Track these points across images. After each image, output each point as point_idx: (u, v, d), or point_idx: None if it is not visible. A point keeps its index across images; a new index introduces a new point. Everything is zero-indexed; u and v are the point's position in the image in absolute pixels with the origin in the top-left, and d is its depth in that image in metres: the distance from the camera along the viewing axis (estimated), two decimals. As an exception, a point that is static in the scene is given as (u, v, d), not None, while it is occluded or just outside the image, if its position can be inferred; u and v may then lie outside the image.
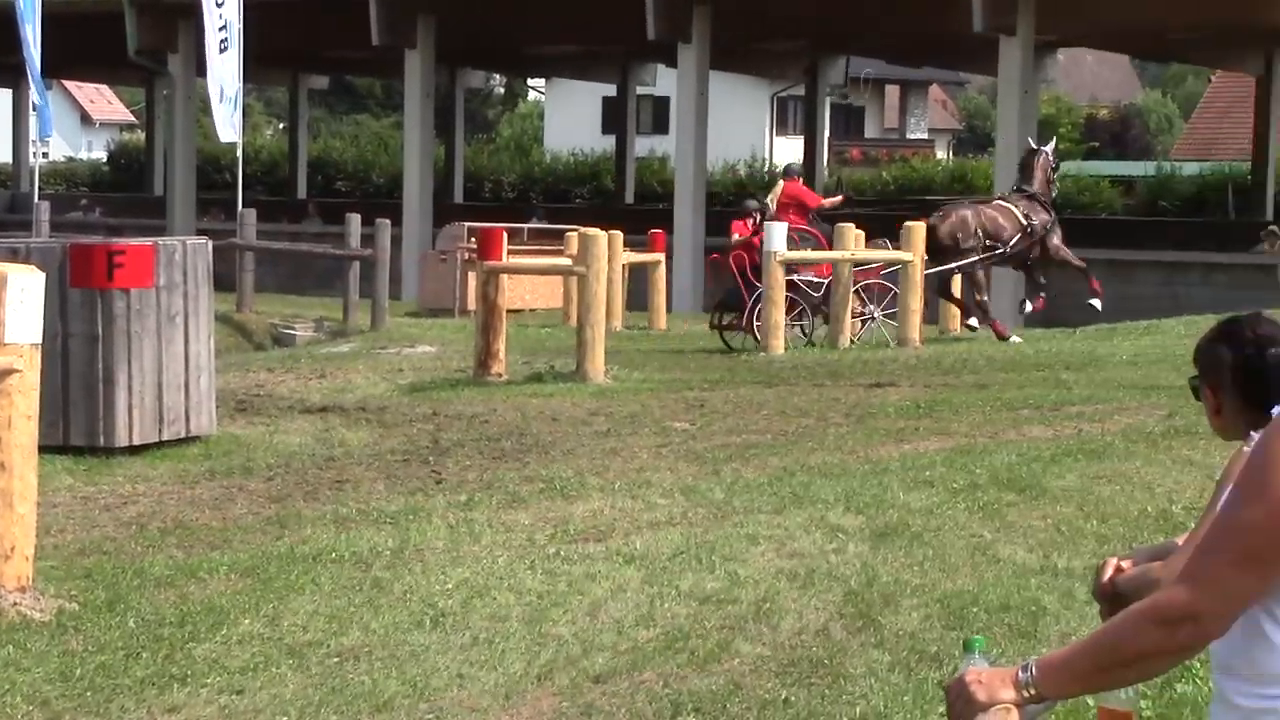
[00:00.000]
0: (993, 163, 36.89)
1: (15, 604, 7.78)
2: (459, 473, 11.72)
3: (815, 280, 21.82)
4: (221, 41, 28.94)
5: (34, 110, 32.17)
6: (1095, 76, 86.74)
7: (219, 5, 28.89)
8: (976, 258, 21.46)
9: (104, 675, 6.90)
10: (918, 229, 21.02)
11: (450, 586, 8.20)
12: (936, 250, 21.14)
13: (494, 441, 13.09)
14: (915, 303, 20.52)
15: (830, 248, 21.54)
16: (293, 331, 25.12)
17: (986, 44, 31.71)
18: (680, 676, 6.91)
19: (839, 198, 27.10)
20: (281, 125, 75.84)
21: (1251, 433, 3.59)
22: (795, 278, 21.26)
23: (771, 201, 23.66)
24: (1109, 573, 3.92)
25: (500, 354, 16.96)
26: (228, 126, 29.20)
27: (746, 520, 9.54)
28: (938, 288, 21.97)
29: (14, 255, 12.06)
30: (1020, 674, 3.10)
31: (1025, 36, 30.71)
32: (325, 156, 52.24)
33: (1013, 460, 11.06)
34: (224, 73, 28.94)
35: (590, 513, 9.94)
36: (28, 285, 7.89)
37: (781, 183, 24.36)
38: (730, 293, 21.98)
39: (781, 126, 61.84)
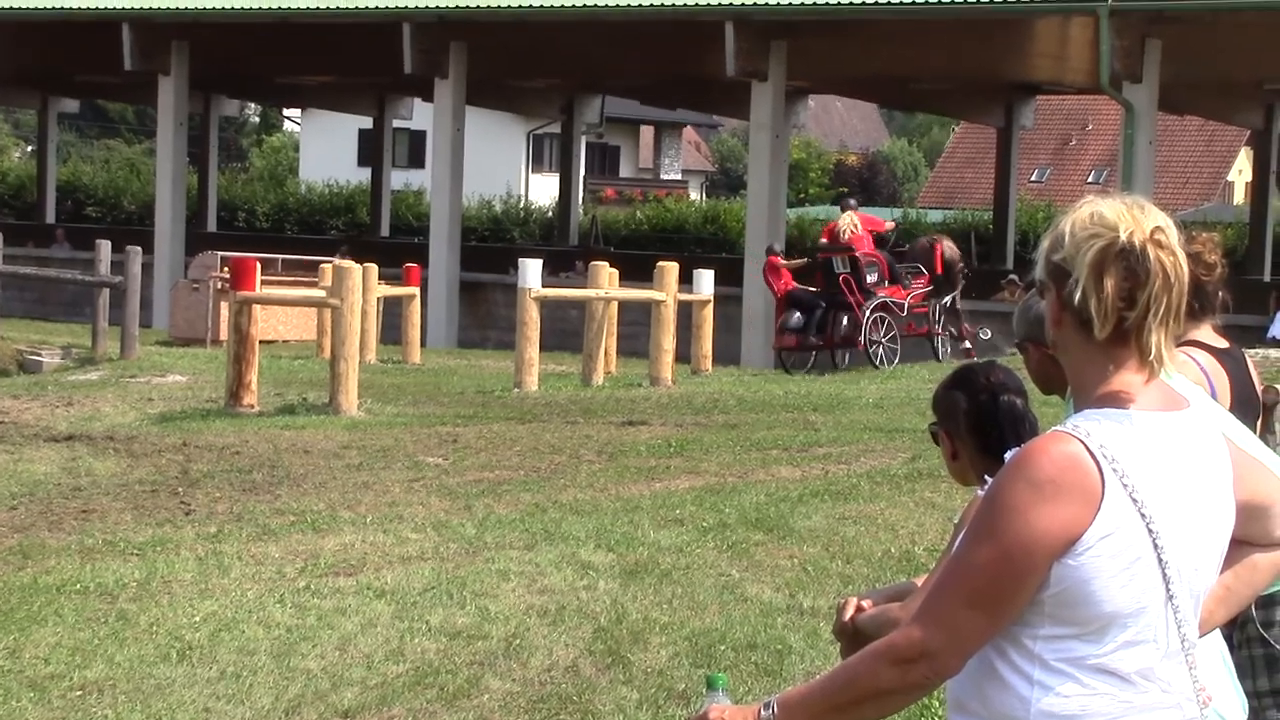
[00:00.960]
0: (744, 205, 37.37)
1: None
2: (209, 504, 11.59)
3: (898, 302, 24.78)
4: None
5: None
6: (844, 123, 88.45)
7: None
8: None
9: None
10: (669, 269, 21.30)
11: (198, 619, 8.13)
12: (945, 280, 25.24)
13: (245, 473, 12.96)
14: (667, 342, 20.71)
15: (889, 274, 25.51)
16: (39, 358, 24.54)
17: (739, 88, 32.18)
18: (430, 712, 6.94)
19: (890, 223, 30.24)
20: (30, 148, 74.17)
21: (986, 476, 3.73)
22: (885, 298, 24.55)
23: (846, 231, 25.92)
24: (850, 612, 4.00)
25: (252, 385, 16.81)
26: None
27: (498, 556, 9.58)
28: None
29: None
30: (762, 711, 3.11)
31: (777, 82, 31.23)
32: (75, 181, 51.17)
33: (761, 500, 11.23)
34: None
35: (341, 546, 9.90)
36: None
37: (852, 213, 26.52)
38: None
39: (537, 163, 62.07)
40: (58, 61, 38.95)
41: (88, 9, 35.85)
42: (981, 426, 3.99)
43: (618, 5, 31.47)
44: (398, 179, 49.16)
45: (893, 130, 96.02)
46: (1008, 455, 3.09)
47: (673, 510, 10.96)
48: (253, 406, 16.67)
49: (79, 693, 7.06)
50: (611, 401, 18.38)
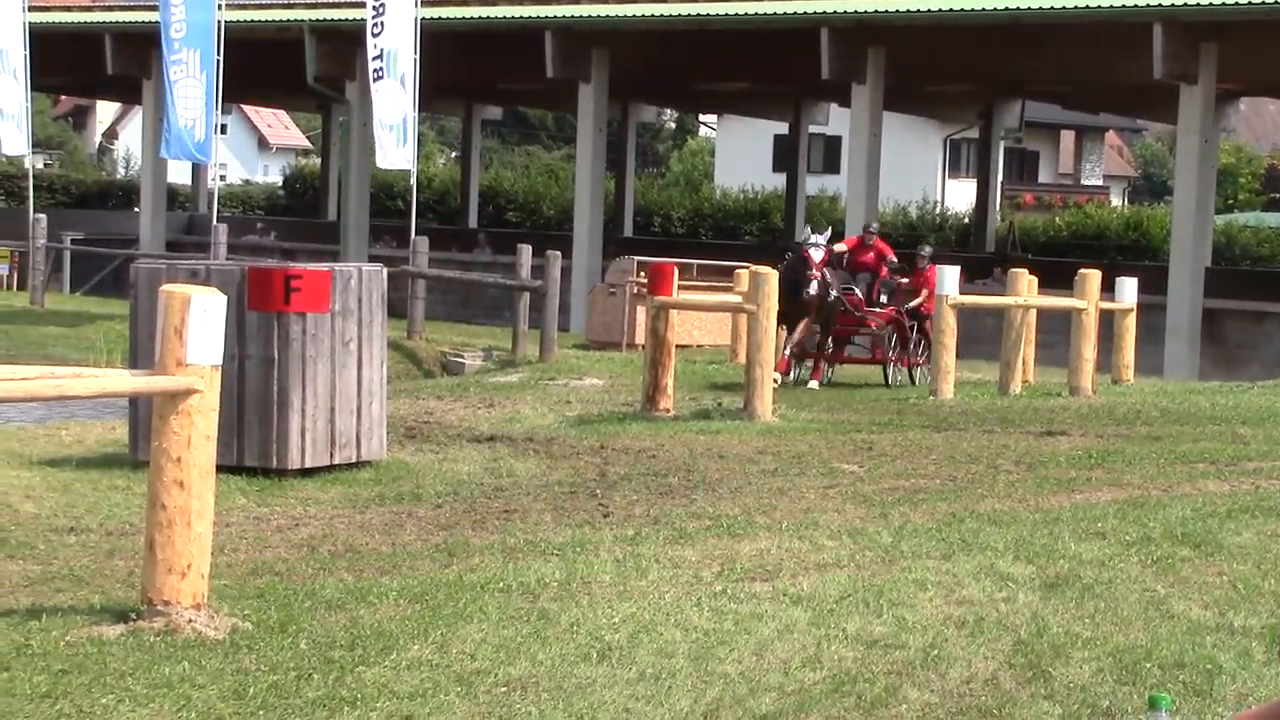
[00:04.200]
0: (1169, 211, 36.44)
1: (190, 621, 7.89)
2: (626, 507, 11.77)
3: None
4: (375, 71, 29.31)
5: (220, 132, 32.67)
6: (1277, 126, 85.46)
7: (375, 35, 29.27)
8: None
9: (276, 695, 6.98)
10: (1091, 276, 20.88)
11: (617, 620, 8.21)
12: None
13: (661, 477, 13.14)
14: (1088, 351, 20.32)
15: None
16: (462, 360, 25.33)
17: (1166, 91, 31.40)
18: (847, 721, 6.88)
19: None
20: (454, 155, 76.73)
21: None
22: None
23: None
24: None
25: (668, 389, 17.01)
26: (390, 153, 29.50)
27: (914, 565, 9.50)
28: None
29: (194, 277, 12.28)
30: None
31: (1206, 85, 30.38)
32: (496, 186, 52.73)
33: (1187, 515, 10.93)
34: (381, 101, 29.27)
35: (757, 552, 9.93)
36: (209, 307, 7.98)
37: (874, 239, 24.67)
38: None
39: (954, 169, 61.55)
40: (482, 70, 40.15)
41: (513, 19, 36.88)
42: None
43: (1039, 8, 30.97)
44: (813, 184, 49.33)
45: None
46: None
47: (1094, 523, 10.74)
48: (668, 411, 16.86)
49: (504, 689, 7.17)
50: (1029, 411, 18.13)
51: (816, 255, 21.31)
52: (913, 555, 9.78)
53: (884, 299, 23.84)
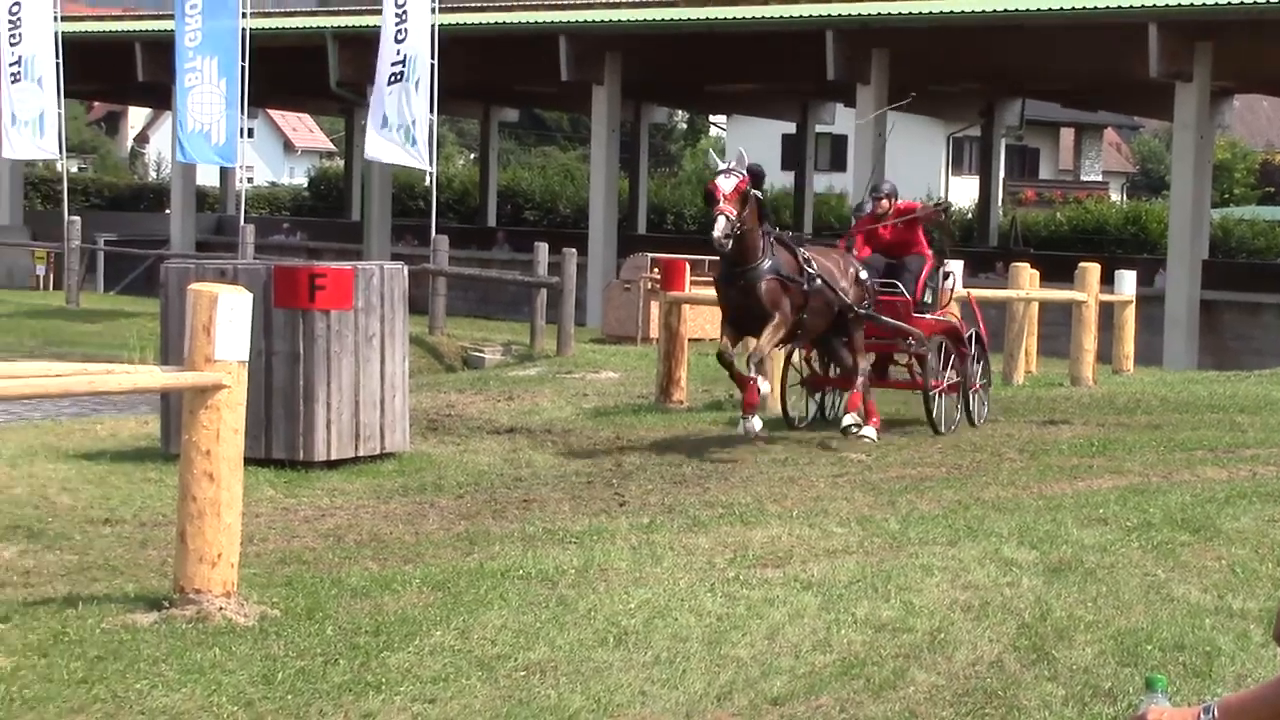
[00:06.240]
0: (1167, 206, 36.58)
1: (221, 608, 8.07)
2: (641, 496, 11.98)
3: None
4: (392, 75, 29.47)
5: (244, 136, 32.85)
6: (1271, 122, 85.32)
7: (399, 41, 29.44)
8: None
9: (304, 680, 7.14)
10: (1091, 269, 21.09)
11: (633, 606, 8.38)
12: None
13: (675, 467, 13.35)
14: (1089, 342, 20.57)
15: None
16: (482, 354, 25.52)
17: (1162, 89, 31.56)
18: (857, 702, 6.98)
19: None
20: (473, 156, 76.85)
21: None
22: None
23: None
24: None
25: (682, 382, 17.23)
26: (396, 152, 29.62)
27: (921, 551, 9.69)
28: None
29: (222, 276, 12.49)
30: (1202, 715, 3.07)
31: (1202, 82, 30.55)
32: (514, 186, 52.97)
33: (1187, 500, 11.11)
34: (393, 104, 29.42)
35: (769, 539, 10.14)
36: (236, 305, 8.15)
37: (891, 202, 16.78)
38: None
39: (957, 166, 61.59)
40: (499, 74, 40.32)
41: (528, 23, 37.12)
42: None
43: (1039, 10, 31.14)
44: (820, 182, 49.46)
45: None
46: None
47: (1096, 509, 10.93)
48: (682, 402, 17.08)
49: (523, 673, 7.31)
50: (1032, 401, 18.30)
51: (726, 185, 13.87)
52: (920, 542, 9.98)
53: (928, 298, 16.05)
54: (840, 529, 10.43)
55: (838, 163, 55.17)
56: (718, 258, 14.48)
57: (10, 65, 34.51)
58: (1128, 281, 22.49)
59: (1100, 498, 11.40)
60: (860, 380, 14.96)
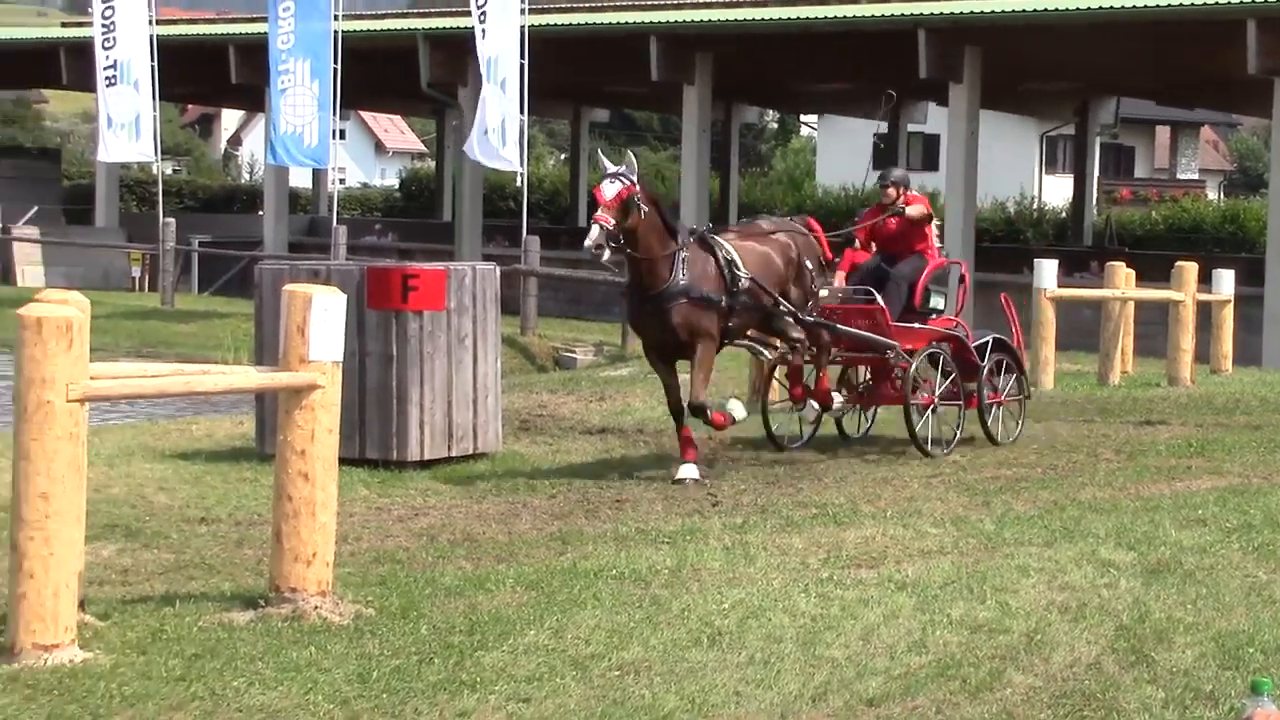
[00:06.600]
0: (1265, 204, 36.18)
1: (316, 607, 8.12)
2: (734, 496, 11.98)
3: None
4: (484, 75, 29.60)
5: (336, 137, 33.08)
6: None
7: (484, 39, 29.55)
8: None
9: (399, 679, 7.17)
10: (1188, 268, 20.91)
11: (727, 606, 8.38)
12: None
13: (768, 466, 13.35)
14: (1186, 342, 20.41)
15: None
16: (573, 355, 25.60)
17: (1260, 85, 31.16)
18: (953, 704, 6.95)
19: None
20: (563, 156, 77.09)
21: None
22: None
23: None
24: None
25: (773, 381, 17.15)
26: (490, 154, 29.70)
27: (1017, 552, 9.64)
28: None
29: (315, 277, 12.58)
30: None
31: (1299, 78, 30.18)
32: (605, 186, 53.06)
33: (1288, 502, 11.00)
34: (483, 104, 29.51)
35: (862, 539, 10.11)
36: (330, 306, 8.19)
37: (902, 191, 15.39)
38: None
39: (1051, 165, 61.27)
40: (590, 74, 40.39)
41: (618, 24, 37.18)
42: None
43: (1134, 7, 30.85)
44: (913, 181, 49.20)
45: None
46: None
47: (1194, 510, 10.84)
48: (774, 402, 17.00)
49: (617, 673, 7.32)
50: (1129, 401, 18.17)
51: (608, 191, 12.70)
52: (1015, 542, 9.93)
53: (938, 303, 14.68)
54: (935, 529, 10.39)
55: (929, 161, 54.95)
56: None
57: (106, 69, 34.89)
58: (1226, 280, 22.26)
59: (1199, 499, 11.30)
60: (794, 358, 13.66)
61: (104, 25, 35.02)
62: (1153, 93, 43.92)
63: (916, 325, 14.34)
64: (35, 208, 46.08)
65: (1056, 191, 55.60)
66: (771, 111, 69.28)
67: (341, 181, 46.96)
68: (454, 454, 13.29)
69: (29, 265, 42.19)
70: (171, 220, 35.86)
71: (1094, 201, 46.18)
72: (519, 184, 31.03)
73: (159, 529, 10.60)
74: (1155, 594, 8.65)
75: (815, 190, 53.14)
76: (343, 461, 9.02)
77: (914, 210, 14.75)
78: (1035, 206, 49.17)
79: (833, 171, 57.29)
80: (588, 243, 12.54)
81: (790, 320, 13.49)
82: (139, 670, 7.20)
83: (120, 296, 36.98)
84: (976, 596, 8.59)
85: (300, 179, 52.86)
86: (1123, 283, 20.98)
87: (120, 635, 7.73)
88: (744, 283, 12.97)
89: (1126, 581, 8.90)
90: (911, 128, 47.95)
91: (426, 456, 13.17)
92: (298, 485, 8.14)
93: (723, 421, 13.06)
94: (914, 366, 13.91)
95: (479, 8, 29.57)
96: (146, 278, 41.36)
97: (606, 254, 12.58)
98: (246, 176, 78.57)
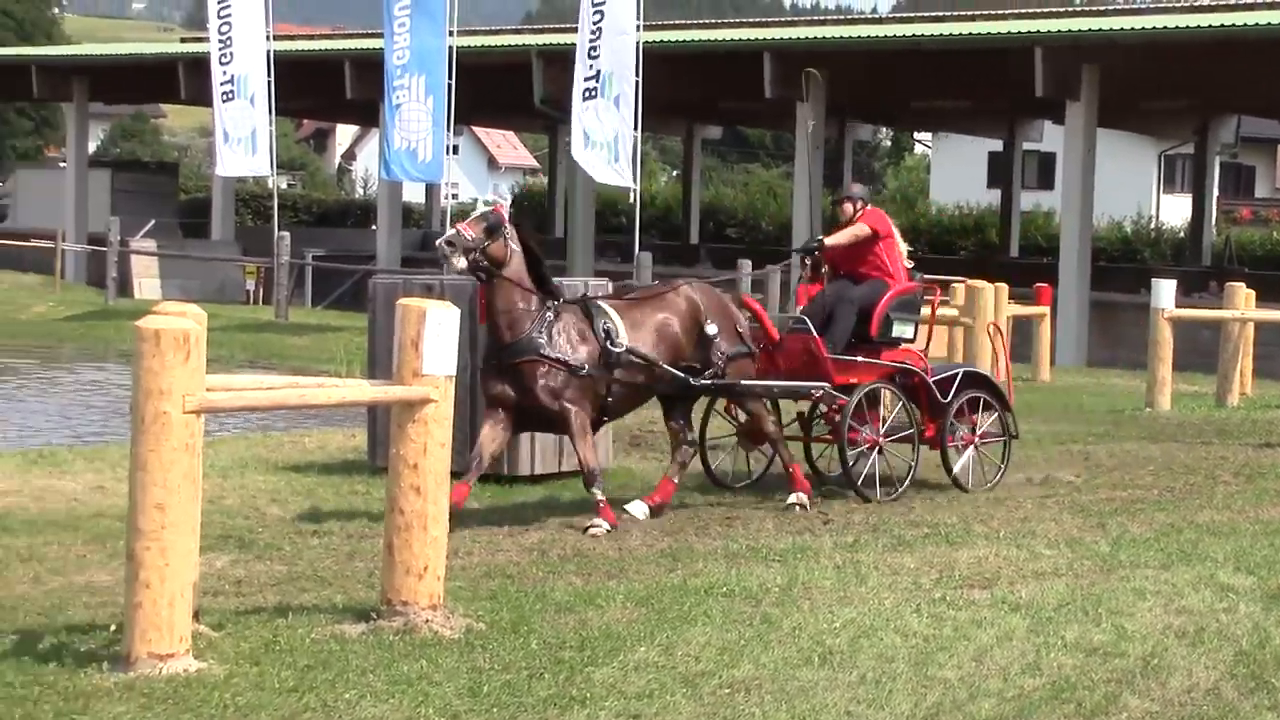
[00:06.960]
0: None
1: (427, 621, 8.14)
2: (845, 514, 11.95)
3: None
4: (586, 91, 29.56)
5: (450, 153, 33.23)
6: None
7: (592, 57, 29.56)
8: None
9: (509, 693, 7.18)
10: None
11: (838, 625, 8.36)
12: None
13: (880, 485, 13.22)
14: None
15: None
16: (684, 371, 25.59)
17: (1383, 104, 30.83)
18: (1068, 727, 6.93)
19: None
20: (675, 173, 77.25)
21: None
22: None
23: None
24: None
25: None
26: (601, 168, 29.70)
27: (1133, 574, 9.54)
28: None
29: (429, 291, 12.63)
30: None
31: None
32: (716, 204, 53.24)
33: None
34: (591, 120, 29.51)
35: (975, 559, 10.04)
36: (444, 320, 8.20)
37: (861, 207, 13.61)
38: None
39: (1169, 184, 60.73)
40: (702, 91, 40.43)
41: (732, 41, 37.23)
42: None
43: (1255, 24, 30.56)
44: (1027, 200, 48.97)
45: None
46: None
47: (1316, 535, 10.69)
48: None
49: (728, 690, 7.31)
50: (1248, 423, 17.97)
51: (466, 221, 11.46)
52: (1131, 565, 9.83)
53: (904, 331, 13.32)
54: (1049, 551, 10.31)
55: (1045, 180, 54.60)
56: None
57: (223, 84, 35.24)
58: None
59: (1320, 523, 11.16)
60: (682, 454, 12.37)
61: (221, 41, 35.39)
62: (1274, 111, 43.41)
63: (860, 359, 13.06)
64: (153, 221, 46.66)
65: (1175, 211, 55.09)
66: (886, 129, 69.09)
67: (454, 196, 47.08)
68: (565, 469, 13.30)
69: (146, 278, 42.75)
70: (286, 234, 36.18)
71: (1213, 221, 45.71)
72: (632, 200, 31.02)
73: (272, 540, 10.68)
74: (1276, 619, 8.55)
75: (929, 208, 52.94)
76: (454, 476, 9.02)
77: (858, 230, 13.28)
78: (1153, 226, 48.76)
79: (947, 189, 57.11)
80: (439, 241, 11.27)
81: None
82: (252, 681, 7.24)
83: (235, 309, 37.34)
84: (1091, 619, 8.52)
85: (413, 194, 53.22)
86: (1242, 303, 20.74)
87: (234, 646, 7.78)
88: (619, 356, 11.60)
89: (1246, 606, 8.80)
90: (1027, 146, 47.68)
91: (537, 471, 13.21)
92: (410, 499, 8.16)
93: (611, 520, 11.34)
94: (851, 404, 12.62)
95: (594, 24, 29.61)
96: (261, 291, 41.80)
97: (461, 263, 11.12)
98: (360, 191, 79.30)
